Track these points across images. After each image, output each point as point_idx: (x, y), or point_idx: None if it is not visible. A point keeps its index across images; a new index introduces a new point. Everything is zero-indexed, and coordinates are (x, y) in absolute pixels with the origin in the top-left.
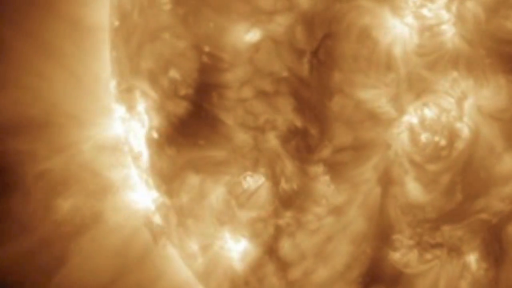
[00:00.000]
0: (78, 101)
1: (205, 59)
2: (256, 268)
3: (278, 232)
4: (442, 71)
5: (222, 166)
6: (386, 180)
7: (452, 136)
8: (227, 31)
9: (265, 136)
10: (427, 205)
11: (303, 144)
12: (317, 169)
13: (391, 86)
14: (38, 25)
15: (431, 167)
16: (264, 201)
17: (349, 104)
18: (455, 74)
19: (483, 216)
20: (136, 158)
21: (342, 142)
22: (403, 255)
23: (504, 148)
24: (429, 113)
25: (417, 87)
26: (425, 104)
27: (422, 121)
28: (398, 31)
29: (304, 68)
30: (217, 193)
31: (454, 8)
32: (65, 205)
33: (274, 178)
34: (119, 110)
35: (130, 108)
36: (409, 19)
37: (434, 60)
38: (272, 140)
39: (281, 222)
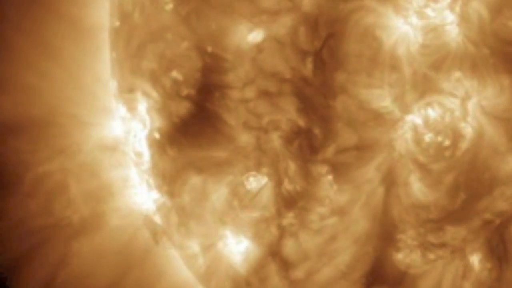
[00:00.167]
0: (78, 101)
1: (207, 59)
2: (258, 268)
3: (281, 232)
4: (446, 71)
5: (224, 166)
6: (390, 180)
7: (456, 136)
8: (230, 31)
9: (268, 136)
10: (430, 205)
11: (307, 144)
12: (321, 169)
13: (395, 86)
14: (38, 25)
15: (435, 167)
16: (267, 201)
17: (353, 104)
18: (458, 74)
19: (487, 216)
20: (137, 158)
21: (346, 142)
22: (406, 255)
23: (508, 148)
24: (433, 113)
25: (421, 87)
26: (429, 104)
27: (426, 121)
28: (402, 31)
29: (308, 68)
30: (219, 193)
31: (457, 8)
32: (65, 205)
33: (277, 178)
34: (120, 110)
35: (131, 108)
36: (413, 19)
37: (438, 60)
38: (275, 140)
39: (284, 222)
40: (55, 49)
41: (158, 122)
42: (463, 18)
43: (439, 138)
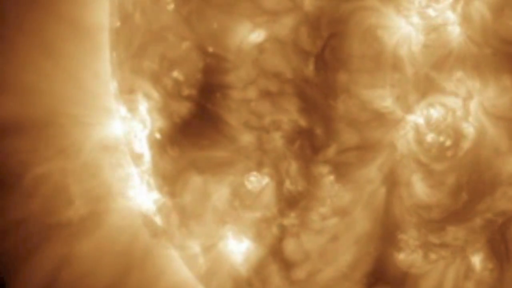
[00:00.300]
0: (78, 101)
1: (209, 59)
2: (259, 268)
3: (282, 233)
4: (448, 71)
5: (225, 166)
6: (391, 181)
7: (458, 136)
8: (231, 31)
9: (269, 137)
10: (432, 205)
11: (308, 144)
12: (322, 169)
13: (396, 86)
14: (38, 25)
15: (437, 167)
16: (268, 201)
17: (355, 104)
18: (460, 74)
19: (489, 216)
20: (137, 158)
21: (347, 142)
22: (408, 255)
23: (510, 148)
24: (435, 113)
25: (423, 87)
26: (431, 104)
27: (428, 121)
28: (403, 31)
29: (309, 69)
30: (220, 193)
31: (459, 8)
32: (65, 205)
33: (278, 178)
34: (120, 110)
35: (132, 109)
36: (415, 19)
37: (440, 60)
38: (277, 141)
39: (286, 222)
40: (55, 49)
41: (159, 122)
42: (465, 18)
43: (441, 138)
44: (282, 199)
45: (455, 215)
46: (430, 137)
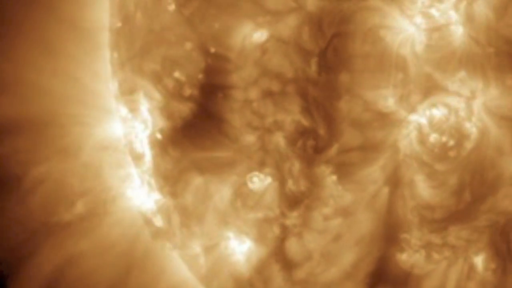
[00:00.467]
0: (78, 101)
1: (210, 59)
2: (261, 269)
3: (285, 233)
4: (451, 71)
5: (227, 166)
6: (394, 181)
7: (461, 136)
8: (233, 31)
9: (272, 137)
10: (435, 206)
11: (311, 145)
12: (325, 169)
13: (399, 86)
14: (38, 26)
15: (440, 168)
16: (271, 201)
17: (357, 104)
18: (463, 74)
19: (491, 216)
20: (138, 159)
21: (350, 143)
22: (410, 255)
23: None
24: (438, 113)
25: (426, 87)
26: (434, 104)
27: (431, 121)
28: (406, 31)
29: (312, 69)
30: (222, 193)
31: (462, 8)
32: (65, 205)
33: (281, 179)
34: (121, 111)
35: (133, 109)
36: (418, 19)
37: (443, 60)
38: (279, 141)
39: (288, 222)
40: (55, 49)
41: (161, 122)
42: (468, 18)
43: (444, 138)
44: (284, 199)
45: (458, 215)
46: (433, 137)
